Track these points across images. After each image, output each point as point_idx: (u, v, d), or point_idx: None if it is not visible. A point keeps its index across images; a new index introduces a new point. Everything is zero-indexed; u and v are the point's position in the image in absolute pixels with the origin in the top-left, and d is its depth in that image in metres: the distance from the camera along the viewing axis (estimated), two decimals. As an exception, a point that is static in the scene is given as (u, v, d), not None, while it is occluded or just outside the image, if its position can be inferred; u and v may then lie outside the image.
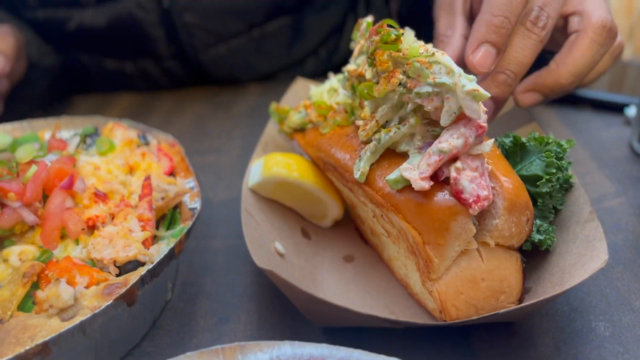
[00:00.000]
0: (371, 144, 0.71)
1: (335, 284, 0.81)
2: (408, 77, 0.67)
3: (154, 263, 0.70)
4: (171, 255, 0.72)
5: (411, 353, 0.70)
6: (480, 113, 0.62)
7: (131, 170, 0.91)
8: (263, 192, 0.88)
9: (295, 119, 0.90)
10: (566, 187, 0.77)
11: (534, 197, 0.73)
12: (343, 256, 0.87)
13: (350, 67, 0.84)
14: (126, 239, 0.73)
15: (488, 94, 0.61)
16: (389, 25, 0.74)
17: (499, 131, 0.82)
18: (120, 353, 0.73)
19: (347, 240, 0.91)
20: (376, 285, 0.81)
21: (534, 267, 0.73)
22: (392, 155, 0.70)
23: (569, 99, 1.29)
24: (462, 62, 0.79)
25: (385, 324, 0.67)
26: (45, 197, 0.79)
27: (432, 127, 0.68)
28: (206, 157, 1.24)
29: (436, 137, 0.66)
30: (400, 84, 0.68)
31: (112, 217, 0.79)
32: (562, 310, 0.74)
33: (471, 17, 0.90)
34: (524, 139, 0.78)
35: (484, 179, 0.64)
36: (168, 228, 0.82)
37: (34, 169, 0.79)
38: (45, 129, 1.04)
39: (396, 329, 0.71)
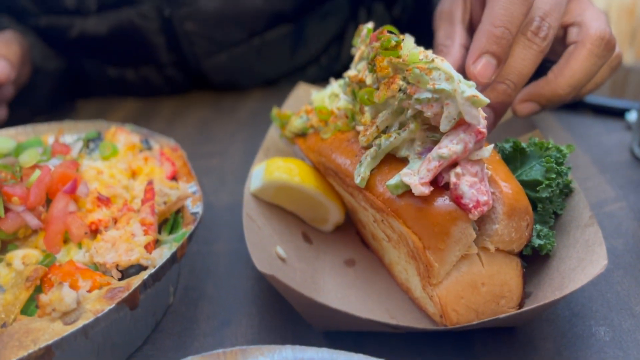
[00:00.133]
0: (371, 149, 0.71)
1: (337, 288, 0.81)
2: (408, 83, 0.67)
3: (156, 267, 0.70)
4: (173, 259, 0.73)
5: (412, 357, 0.70)
6: (479, 119, 0.62)
7: (134, 174, 0.92)
8: (264, 196, 0.89)
9: (296, 123, 0.91)
10: (566, 192, 0.77)
11: (534, 202, 0.74)
12: (344, 260, 0.88)
13: (351, 72, 0.84)
14: (129, 243, 0.74)
15: (487, 100, 0.61)
16: (390, 32, 0.75)
17: (502, 138, 0.82)
18: (122, 356, 0.73)
19: (348, 244, 0.91)
20: (377, 289, 0.81)
21: (534, 272, 0.73)
22: (393, 160, 0.71)
23: (569, 104, 1.30)
24: (461, 72, 0.80)
25: (386, 329, 0.67)
26: (48, 202, 0.79)
27: (432, 132, 0.68)
28: (209, 161, 1.25)
29: (436, 142, 0.66)
30: (400, 89, 0.68)
31: (115, 221, 0.80)
32: (563, 314, 0.75)
33: (471, 27, 0.90)
34: (523, 144, 0.78)
35: (484, 184, 0.64)
36: (170, 232, 0.82)
37: (37, 173, 0.79)
38: (48, 133, 1.05)
39: (397, 333, 0.72)
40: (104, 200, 0.81)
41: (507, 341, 0.71)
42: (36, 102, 1.44)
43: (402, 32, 0.75)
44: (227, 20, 1.46)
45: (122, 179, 0.89)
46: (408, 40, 0.71)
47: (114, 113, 1.55)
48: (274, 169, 0.87)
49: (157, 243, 0.78)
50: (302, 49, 1.61)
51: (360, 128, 0.78)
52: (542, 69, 0.84)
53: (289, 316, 0.78)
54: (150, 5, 1.41)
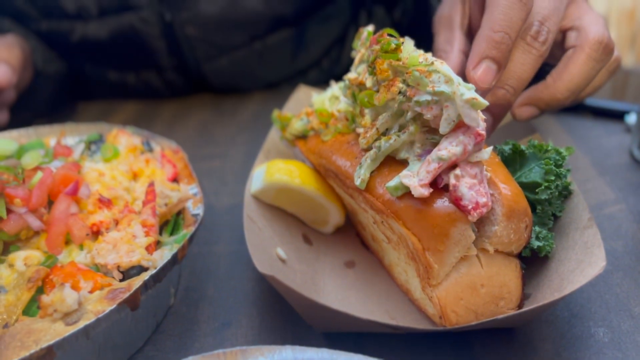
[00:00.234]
0: (371, 152, 0.72)
1: (337, 290, 0.81)
2: (408, 85, 0.68)
3: (157, 268, 0.70)
4: (174, 260, 0.73)
5: (411, 358, 0.70)
6: (478, 121, 0.63)
7: (135, 176, 0.92)
8: (265, 198, 0.89)
9: (297, 126, 0.91)
10: (565, 194, 0.78)
11: (533, 204, 0.74)
12: (344, 262, 0.88)
13: (351, 75, 0.85)
14: (130, 245, 0.74)
15: (486, 103, 0.62)
16: (390, 35, 0.75)
17: (501, 140, 0.82)
18: (123, 357, 0.73)
19: (349, 246, 0.92)
20: (377, 290, 0.82)
21: (533, 273, 0.74)
22: (392, 162, 0.71)
23: (569, 107, 1.30)
24: (460, 77, 0.80)
25: (386, 330, 0.67)
26: (50, 203, 0.80)
27: (431, 134, 0.69)
28: (210, 163, 1.25)
29: (435, 144, 0.66)
30: (400, 92, 0.69)
31: (116, 222, 0.80)
32: (562, 316, 0.75)
33: (470, 32, 0.91)
34: (523, 147, 0.78)
35: (483, 186, 0.65)
36: (171, 234, 0.83)
37: (39, 175, 0.80)
38: (50, 135, 1.05)
39: (397, 334, 0.72)
40: (105, 202, 0.82)
41: (507, 342, 0.71)
42: (37, 105, 1.45)
43: (402, 35, 0.75)
44: (228, 25, 1.47)
45: (123, 180, 0.89)
46: (408, 43, 0.72)
47: (116, 115, 1.55)
48: (274, 171, 0.87)
49: (158, 244, 0.79)
50: (303, 53, 1.61)
51: (360, 130, 0.79)
52: (540, 72, 0.84)
53: (289, 317, 0.78)
54: (151, 10, 1.41)
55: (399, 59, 0.70)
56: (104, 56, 1.55)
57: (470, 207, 0.63)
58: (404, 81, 0.69)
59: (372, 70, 0.74)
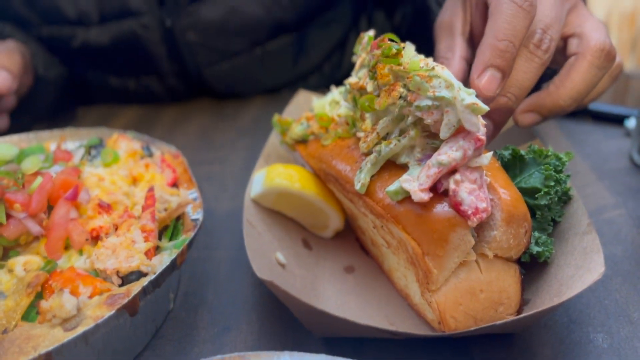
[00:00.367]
0: (372, 156, 0.72)
1: (336, 295, 0.81)
2: (408, 90, 0.68)
3: (156, 273, 0.70)
4: (173, 265, 0.73)
5: (411, 364, 0.70)
6: (479, 126, 0.63)
7: (135, 181, 0.92)
8: (265, 202, 0.89)
9: (297, 130, 0.91)
10: (565, 199, 0.78)
11: (532, 210, 0.74)
12: (344, 267, 0.88)
13: (352, 79, 0.85)
14: (129, 250, 0.74)
15: (487, 108, 0.62)
16: (390, 39, 0.75)
17: (501, 146, 0.82)
18: (122, 363, 0.73)
19: (348, 250, 0.92)
20: (376, 296, 0.81)
21: (533, 279, 0.73)
22: (393, 167, 0.71)
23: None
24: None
25: (385, 335, 0.67)
26: (50, 208, 0.80)
27: (431, 139, 0.69)
28: (210, 167, 1.25)
29: (436, 149, 0.66)
30: (400, 97, 0.69)
31: (116, 227, 0.80)
32: (562, 321, 0.75)
33: (471, 39, 0.91)
34: (522, 152, 0.78)
35: (483, 191, 0.65)
36: (170, 239, 0.83)
37: (39, 180, 0.80)
38: (50, 140, 1.05)
39: (396, 339, 0.72)
40: (104, 207, 0.82)
41: (506, 347, 0.71)
42: (38, 110, 1.45)
43: (403, 40, 0.75)
44: (229, 31, 1.47)
45: (123, 185, 0.89)
46: (409, 48, 0.72)
47: (116, 120, 1.55)
48: (274, 175, 0.87)
49: (157, 249, 0.79)
50: (304, 58, 1.61)
51: (360, 135, 0.79)
52: (542, 77, 0.84)
53: (289, 323, 0.78)
54: (152, 16, 1.42)
55: (399, 64, 0.70)
56: (105, 62, 1.56)
57: (470, 212, 0.63)
58: (404, 86, 0.69)
59: (373, 74, 0.74)
